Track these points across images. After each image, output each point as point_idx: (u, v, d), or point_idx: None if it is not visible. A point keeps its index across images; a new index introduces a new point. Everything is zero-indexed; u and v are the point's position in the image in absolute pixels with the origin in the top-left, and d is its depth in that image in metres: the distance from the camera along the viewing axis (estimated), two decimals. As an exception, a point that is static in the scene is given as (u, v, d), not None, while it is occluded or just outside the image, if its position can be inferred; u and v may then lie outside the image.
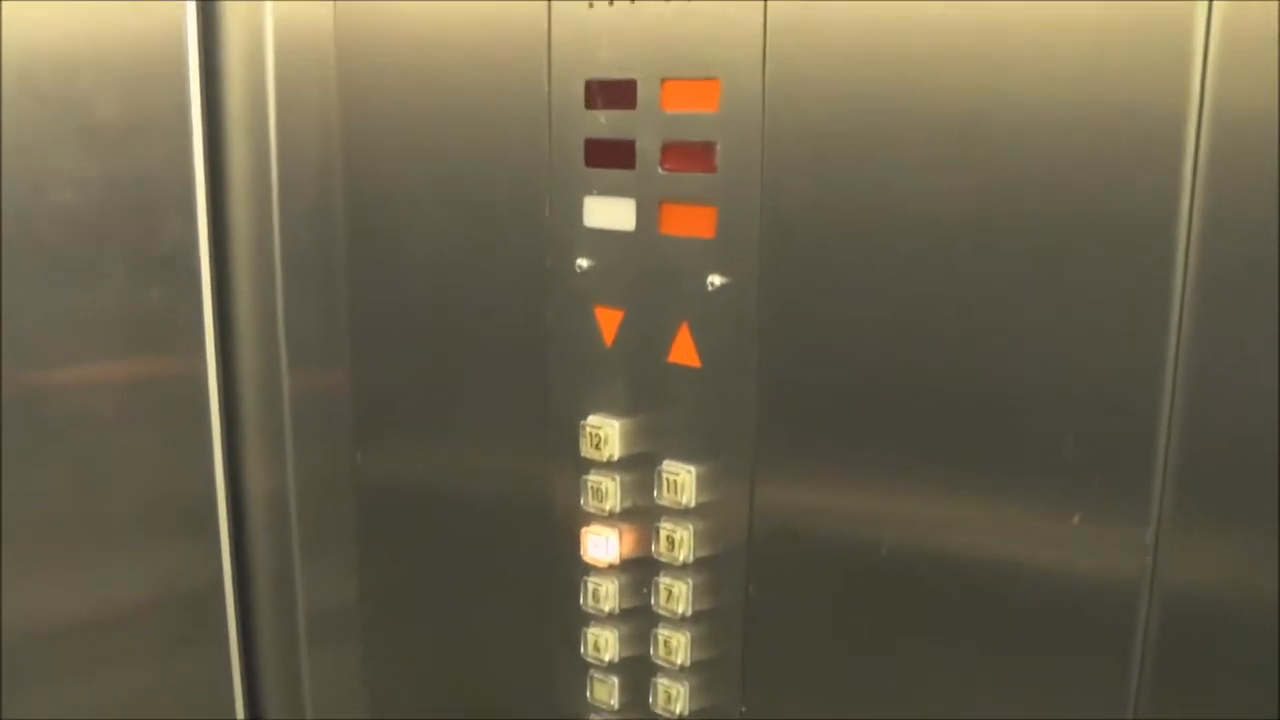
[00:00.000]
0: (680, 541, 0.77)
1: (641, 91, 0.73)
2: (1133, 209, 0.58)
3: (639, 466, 0.79)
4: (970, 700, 0.69)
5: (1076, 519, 0.63)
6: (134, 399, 0.99)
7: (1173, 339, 0.58)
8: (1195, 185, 0.56)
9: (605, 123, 0.75)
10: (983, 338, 0.64)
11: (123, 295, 0.95)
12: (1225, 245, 0.56)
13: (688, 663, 0.80)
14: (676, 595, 0.78)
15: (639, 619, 0.81)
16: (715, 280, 0.72)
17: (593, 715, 0.86)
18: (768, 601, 0.76)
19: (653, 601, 0.80)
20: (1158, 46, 0.56)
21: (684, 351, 0.75)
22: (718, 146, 0.71)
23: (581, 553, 0.82)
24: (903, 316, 0.66)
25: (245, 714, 1.10)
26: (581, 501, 0.80)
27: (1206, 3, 0.54)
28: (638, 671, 0.83)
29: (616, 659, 0.83)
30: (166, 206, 0.95)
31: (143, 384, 0.99)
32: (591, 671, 0.85)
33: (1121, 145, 0.57)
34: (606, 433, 0.78)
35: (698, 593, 0.78)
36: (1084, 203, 0.59)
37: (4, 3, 0.87)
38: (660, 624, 0.80)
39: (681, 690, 0.81)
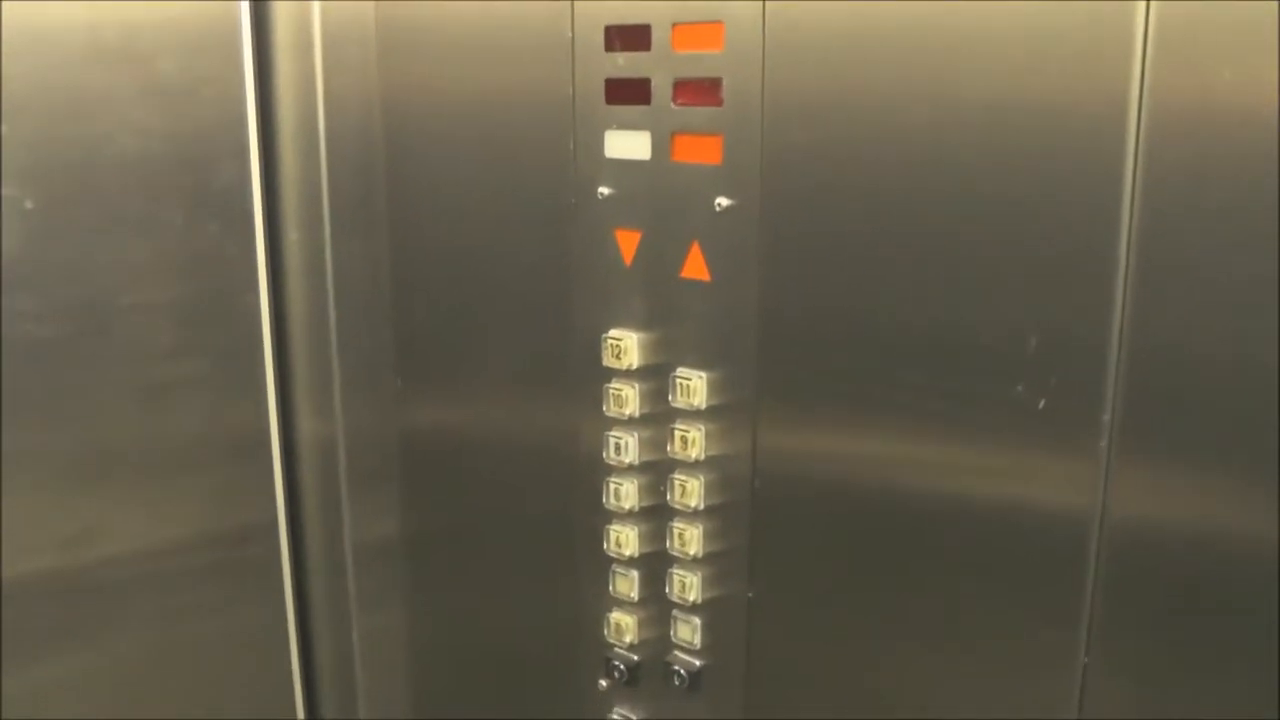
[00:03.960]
0: (693, 441, 0.86)
1: (655, 35, 0.81)
2: (1085, 146, 0.65)
3: (655, 375, 0.87)
4: (948, 586, 0.77)
5: (1041, 404, 0.71)
6: (192, 333, 1.07)
7: (1121, 266, 0.66)
8: (1140, 128, 0.64)
9: (623, 64, 0.84)
10: (958, 260, 0.72)
11: (182, 237, 1.03)
12: (1166, 193, 0.64)
13: (700, 554, 0.88)
14: (690, 491, 0.87)
15: (656, 516, 0.90)
16: (722, 202, 0.81)
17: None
18: (771, 495, 0.84)
19: (669, 498, 0.88)
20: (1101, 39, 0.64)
21: (695, 267, 0.84)
22: (723, 82, 0.79)
23: (604, 456, 0.90)
24: (888, 231, 0.75)
25: (296, 639, 1.17)
26: (604, 408, 0.89)
27: (1145, 2, 0.62)
28: (655, 565, 0.91)
29: (636, 554, 0.91)
30: (221, 158, 1.04)
31: (200, 320, 1.07)
32: (613, 567, 0.93)
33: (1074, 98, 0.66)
34: (626, 344, 0.87)
35: (709, 488, 0.87)
36: (1048, 134, 0.67)
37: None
38: (675, 518, 0.89)
39: (695, 580, 0.89)
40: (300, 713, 1.19)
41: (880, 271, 0.75)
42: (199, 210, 1.03)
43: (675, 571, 0.90)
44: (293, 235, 1.07)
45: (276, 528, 1.14)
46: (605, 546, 0.92)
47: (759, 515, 0.85)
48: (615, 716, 0.97)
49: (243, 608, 1.15)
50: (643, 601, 0.93)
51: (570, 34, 0.85)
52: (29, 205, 0.94)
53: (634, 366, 0.87)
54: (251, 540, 1.13)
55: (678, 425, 0.86)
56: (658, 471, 0.89)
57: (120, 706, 1.12)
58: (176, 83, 1.01)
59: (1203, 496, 0.67)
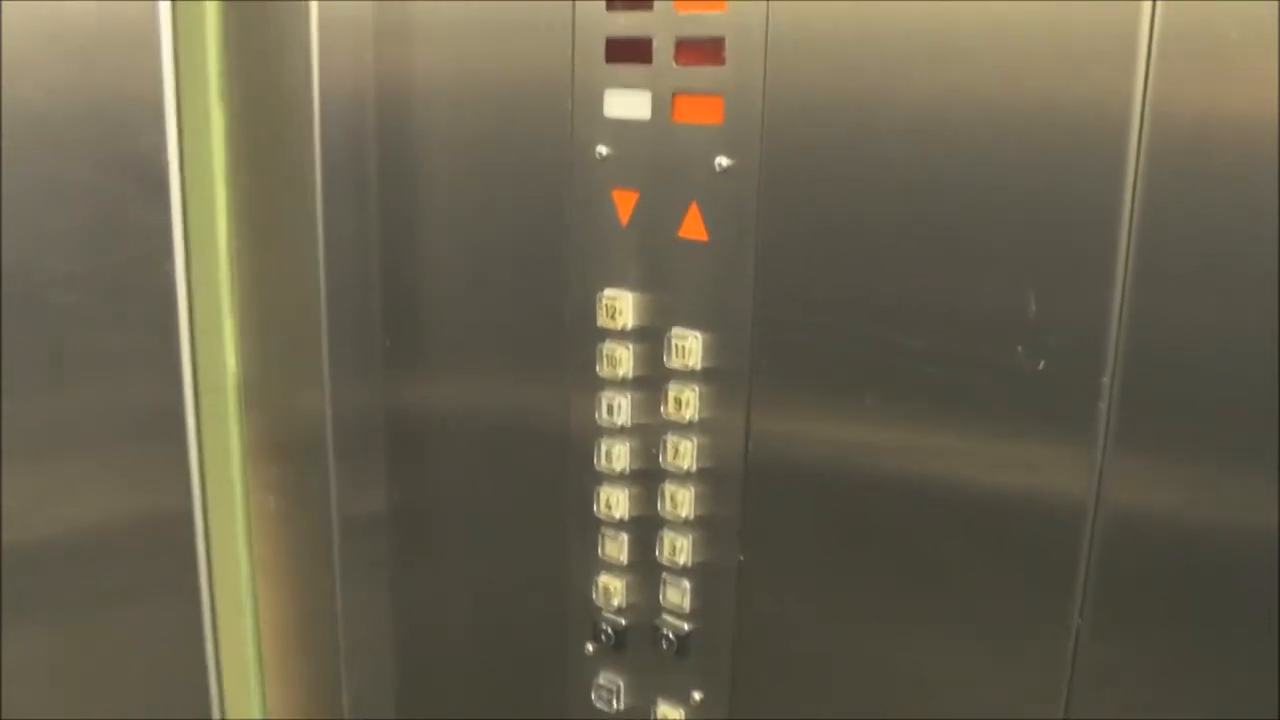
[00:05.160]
0: (687, 403, 0.85)
1: (658, -6, 0.81)
2: (1090, 111, 0.66)
3: (650, 337, 0.87)
4: (942, 554, 0.78)
5: (1041, 365, 0.72)
6: (106, 300, 1.03)
7: (1124, 231, 0.66)
8: (1146, 101, 0.64)
9: (624, 23, 0.83)
10: (959, 224, 0.72)
11: (94, 199, 0.99)
12: (1170, 164, 0.64)
13: (691, 516, 0.88)
14: (683, 452, 0.87)
15: (648, 478, 0.90)
16: (722, 162, 0.81)
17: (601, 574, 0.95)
18: (765, 459, 0.84)
19: (661, 460, 0.88)
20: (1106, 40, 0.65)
21: (693, 227, 0.83)
22: (726, 42, 0.79)
23: (596, 418, 0.90)
24: (890, 195, 0.75)
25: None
26: (597, 369, 0.89)
27: (1151, 3, 0.63)
28: (645, 528, 0.91)
29: (627, 516, 0.91)
30: (137, 116, 0.98)
31: (116, 285, 1.03)
32: (603, 529, 0.93)
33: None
34: (621, 304, 0.87)
35: (702, 451, 0.87)
36: (1054, 98, 0.67)
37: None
38: (667, 480, 0.88)
39: (685, 543, 0.89)
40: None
41: (880, 235, 0.76)
42: (115, 173, 0.99)
43: (666, 534, 0.90)
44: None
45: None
46: (595, 509, 0.92)
47: (752, 478, 0.85)
48: (602, 681, 0.96)
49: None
50: (632, 565, 0.93)
51: (571, -8, 0.85)
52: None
53: (629, 327, 0.87)
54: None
55: (672, 386, 0.86)
56: (650, 434, 0.89)
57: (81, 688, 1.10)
58: (90, 31, 0.96)
59: (1203, 467, 0.67)
